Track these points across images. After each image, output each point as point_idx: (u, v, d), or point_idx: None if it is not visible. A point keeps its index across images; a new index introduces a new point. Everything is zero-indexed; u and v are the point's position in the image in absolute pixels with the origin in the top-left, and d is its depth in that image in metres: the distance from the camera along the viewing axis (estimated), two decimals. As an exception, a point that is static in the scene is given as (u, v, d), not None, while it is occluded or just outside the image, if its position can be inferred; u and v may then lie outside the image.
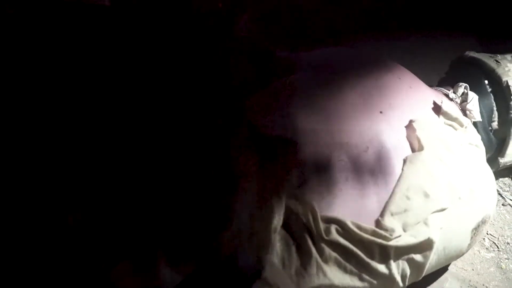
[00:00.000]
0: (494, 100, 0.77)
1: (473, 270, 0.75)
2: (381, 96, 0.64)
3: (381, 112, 0.62)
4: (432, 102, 0.69)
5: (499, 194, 0.90)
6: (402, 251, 0.55)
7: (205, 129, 0.51)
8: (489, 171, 0.68)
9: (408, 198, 0.58)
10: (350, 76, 0.66)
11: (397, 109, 0.63)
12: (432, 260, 0.58)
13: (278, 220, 0.50)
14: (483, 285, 0.72)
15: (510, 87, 0.75)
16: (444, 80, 0.86)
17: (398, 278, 0.55)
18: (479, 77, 0.79)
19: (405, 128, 0.63)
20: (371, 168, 0.58)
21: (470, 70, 0.82)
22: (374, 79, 0.66)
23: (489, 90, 0.78)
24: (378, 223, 0.56)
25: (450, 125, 0.68)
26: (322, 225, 0.52)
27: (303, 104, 0.62)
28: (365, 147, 0.59)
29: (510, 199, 0.90)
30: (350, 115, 0.61)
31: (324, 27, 1.66)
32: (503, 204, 0.89)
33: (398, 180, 0.59)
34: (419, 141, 0.62)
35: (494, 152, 0.76)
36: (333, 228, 0.53)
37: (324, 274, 0.51)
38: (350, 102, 0.62)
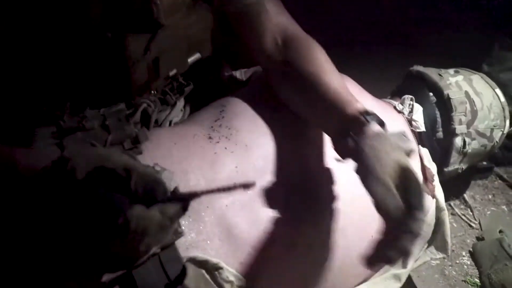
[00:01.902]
0: (438, 111, 0.80)
1: (418, 277, 0.76)
2: None
3: None
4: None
5: (448, 204, 0.94)
6: None
7: None
8: None
9: None
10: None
11: None
12: None
13: None
14: (426, 291, 0.74)
15: (451, 100, 0.78)
16: (394, 92, 0.89)
17: None
18: (424, 89, 0.83)
19: None
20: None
21: (417, 83, 0.85)
22: None
23: (434, 101, 0.81)
24: None
25: None
26: None
27: (248, 112, 0.62)
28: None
29: (459, 209, 0.94)
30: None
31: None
32: (452, 214, 0.92)
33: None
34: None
35: (438, 162, 0.79)
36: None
37: None
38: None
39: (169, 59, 0.57)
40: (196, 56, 0.63)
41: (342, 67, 0.76)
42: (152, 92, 0.61)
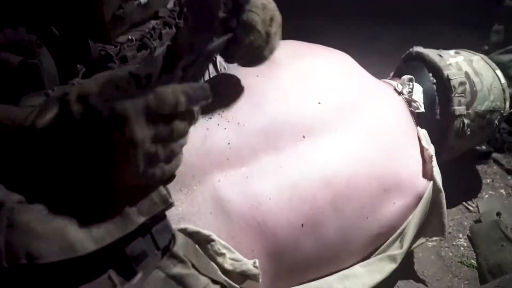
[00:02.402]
0: (437, 92, 0.79)
1: (415, 258, 0.76)
2: (321, 88, 0.64)
3: (319, 103, 0.62)
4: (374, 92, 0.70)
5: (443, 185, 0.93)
6: None
7: None
8: None
9: None
10: (291, 66, 0.65)
11: (337, 98, 0.64)
12: None
13: None
14: (422, 272, 0.73)
15: (451, 80, 0.77)
16: (394, 73, 0.88)
17: None
18: (423, 70, 0.81)
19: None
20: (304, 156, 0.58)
21: (416, 64, 0.84)
22: (315, 70, 0.66)
23: (433, 82, 0.80)
24: None
25: None
26: None
27: (238, 91, 0.60)
28: (301, 136, 0.59)
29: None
30: (287, 104, 0.60)
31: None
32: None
33: None
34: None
35: (436, 143, 0.78)
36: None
37: None
38: (289, 91, 0.61)
39: None
40: None
41: (344, 49, 0.75)
42: (130, 38, 0.58)
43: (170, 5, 0.66)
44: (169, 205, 0.43)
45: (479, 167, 0.99)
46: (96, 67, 0.56)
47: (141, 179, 0.39)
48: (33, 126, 0.36)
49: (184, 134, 0.42)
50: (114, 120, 0.35)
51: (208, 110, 0.58)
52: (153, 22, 0.64)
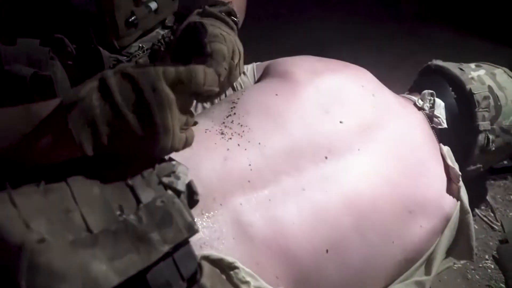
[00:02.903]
0: (459, 107, 0.77)
1: (439, 281, 0.73)
2: (342, 107, 0.62)
3: (341, 122, 0.60)
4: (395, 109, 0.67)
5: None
6: None
7: None
8: None
9: None
10: (311, 84, 0.64)
11: (358, 117, 0.62)
12: None
13: None
14: (449, 296, 0.70)
15: (474, 95, 0.75)
16: (412, 88, 0.86)
17: None
18: (444, 84, 0.79)
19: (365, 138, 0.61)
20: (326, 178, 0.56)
21: (436, 78, 0.82)
22: (335, 88, 0.64)
23: (454, 97, 0.78)
24: None
25: None
26: None
27: (260, 110, 0.59)
28: (323, 157, 0.57)
29: (480, 211, 0.90)
30: (308, 124, 0.58)
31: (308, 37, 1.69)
32: (472, 215, 0.88)
33: None
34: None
35: (459, 160, 0.75)
36: None
37: None
38: (309, 111, 0.60)
39: None
40: None
41: (355, 62, 0.73)
42: (140, 46, 0.59)
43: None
44: (194, 231, 0.41)
45: (501, 183, 0.96)
46: None
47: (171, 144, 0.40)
48: (76, 101, 0.36)
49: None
50: (146, 80, 0.37)
51: (228, 130, 0.57)
52: (161, 32, 0.63)
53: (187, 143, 0.42)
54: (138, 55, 0.58)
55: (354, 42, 1.69)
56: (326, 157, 0.57)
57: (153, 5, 0.57)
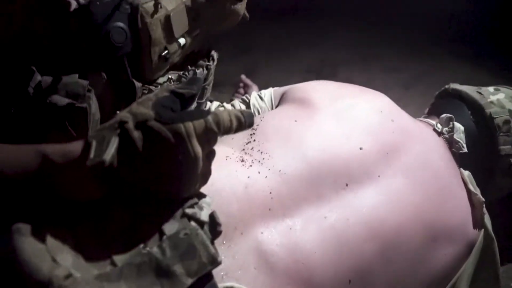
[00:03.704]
0: (479, 131, 0.76)
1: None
2: (361, 133, 0.62)
3: (361, 149, 0.60)
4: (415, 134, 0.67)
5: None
6: None
7: None
8: None
9: None
10: (330, 110, 0.64)
11: (378, 143, 0.61)
12: None
13: None
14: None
15: (494, 119, 0.74)
16: (430, 111, 0.86)
17: None
18: (462, 107, 0.79)
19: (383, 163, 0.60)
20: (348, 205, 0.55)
21: (454, 102, 0.81)
22: (354, 114, 0.64)
23: (473, 121, 0.77)
24: None
25: None
26: None
27: (279, 136, 0.59)
28: (343, 185, 0.56)
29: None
30: (329, 150, 0.58)
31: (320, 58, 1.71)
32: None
33: None
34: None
35: (481, 186, 0.74)
36: None
37: None
38: (329, 137, 0.60)
39: (177, 20, 0.57)
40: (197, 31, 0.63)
41: (367, 84, 0.73)
42: (169, 77, 0.62)
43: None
44: (217, 263, 0.41)
45: (524, 207, 0.94)
46: None
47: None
48: (102, 162, 0.35)
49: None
50: (177, 141, 0.37)
51: (248, 157, 0.57)
52: (186, 64, 0.66)
53: (217, 234, 0.43)
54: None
55: (368, 62, 1.70)
56: (346, 184, 0.57)
57: (182, 41, 0.60)
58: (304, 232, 0.52)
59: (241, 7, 0.69)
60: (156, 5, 0.54)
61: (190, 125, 0.37)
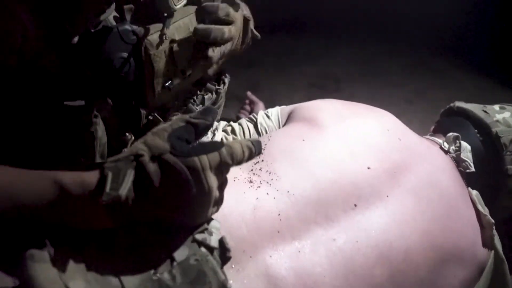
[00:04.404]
0: (485, 150, 0.76)
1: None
2: (369, 152, 0.62)
3: (368, 168, 0.60)
4: (422, 153, 0.67)
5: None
6: None
7: None
8: None
9: None
10: (337, 129, 0.64)
11: (386, 162, 0.61)
12: None
13: None
14: None
15: (501, 138, 0.74)
16: (435, 129, 0.86)
17: None
18: (467, 126, 0.79)
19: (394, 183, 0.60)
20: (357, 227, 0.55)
21: (460, 120, 0.81)
22: (361, 133, 0.65)
23: (480, 139, 0.77)
24: None
25: None
26: None
27: (287, 156, 0.59)
28: (352, 205, 0.56)
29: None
30: (337, 170, 0.58)
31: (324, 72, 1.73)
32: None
33: None
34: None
35: (489, 205, 0.73)
36: None
37: None
38: (337, 157, 0.60)
39: (181, 52, 0.58)
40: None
41: (370, 99, 0.73)
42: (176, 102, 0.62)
43: (211, 71, 0.68)
44: None
45: (531, 225, 0.93)
46: (144, 131, 0.57)
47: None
48: (118, 197, 0.36)
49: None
50: (192, 175, 0.37)
51: (256, 178, 0.57)
52: (195, 88, 0.66)
53: (226, 260, 0.44)
54: (173, 111, 0.62)
55: (371, 77, 1.71)
56: (355, 205, 0.57)
57: (188, 72, 0.60)
58: (313, 256, 0.52)
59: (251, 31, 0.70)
60: (161, 36, 0.54)
61: (205, 158, 0.38)
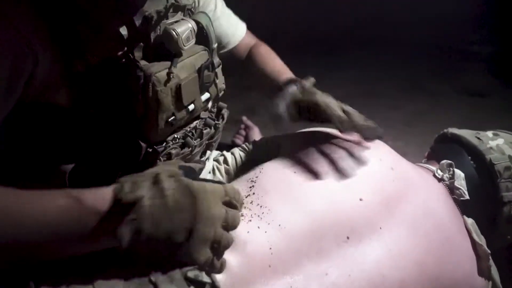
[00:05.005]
0: (480, 177, 0.75)
1: None
2: (361, 183, 0.61)
3: (361, 200, 0.59)
4: (415, 182, 0.67)
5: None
6: None
7: None
8: None
9: None
10: (328, 162, 0.64)
11: (378, 193, 0.61)
12: None
13: None
14: None
15: (495, 165, 0.74)
16: (429, 155, 0.86)
17: None
18: (461, 152, 0.79)
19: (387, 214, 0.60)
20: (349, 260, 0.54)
21: (454, 147, 0.81)
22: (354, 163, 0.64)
23: (474, 166, 0.77)
24: None
25: None
26: None
27: (278, 189, 0.59)
28: (345, 238, 0.56)
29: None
30: (329, 202, 0.58)
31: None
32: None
33: None
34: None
35: (485, 233, 0.72)
36: None
37: None
38: (328, 189, 0.60)
39: (187, 89, 0.59)
40: (206, 95, 0.66)
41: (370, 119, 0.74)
42: (175, 136, 0.64)
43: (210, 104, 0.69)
44: None
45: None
46: (142, 164, 0.58)
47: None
48: (136, 197, 0.42)
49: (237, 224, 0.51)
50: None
51: (247, 211, 0.57)
52: (194, 122, 0.67)
53: None
54: (172, 144, 0.63)
55: (370, 99, 1.72)
56: (348, 237, 0.56)
57: (191, 107, 0.61)
58: None
59: None
60: (169, 74, 0.55)
61: (220, 188, 0.49)
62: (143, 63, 0.55)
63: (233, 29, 0.86)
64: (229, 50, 0.85)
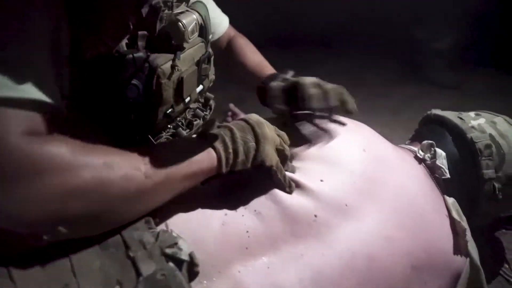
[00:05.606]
0: (461, 156, 0.76)
1: None
2: (333, 164, 0.62)
3: (321, 181, 0.59)
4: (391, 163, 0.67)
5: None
6: None
7: None
8: None
9: None
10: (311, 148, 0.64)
11: (347, 175, 0.61)
12: None
13: None
14: None
15: (476, 143, 0.75)
16: (413, 137, 0.86)
17: None
18: (444, 134, 0.79)
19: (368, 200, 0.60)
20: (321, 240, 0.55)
21: (436, 128, 0.82)
22: (327, 146, 0.65)
23: (455, 146, 0.77)
24: None
25: None
26: None
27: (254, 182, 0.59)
28: (313, 216, 0.56)
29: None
30: (300, 186, 0.58)
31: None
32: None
33: None
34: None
35: (466, 212, 0.73)
36: None
37: None
38: (304, 171, 0.60)
39: (187, 83, 0.59)
40: (200, 87, 0.65)
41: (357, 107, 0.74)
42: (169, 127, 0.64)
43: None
44: None
45: (514, 231, 0.93)
46: None
47: None
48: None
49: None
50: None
51: (224, 197, 0.57)
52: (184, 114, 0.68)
53: (194, 274, 0.48)
54: (165, 133, 0.63)
55: (357, 89, 1.71)
56: (315, 215, 0.56)
57: (187, 100, 0.61)
58: (282, 271, 0.51)
59: None
60: (173, 67, 0.55)
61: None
62: (148, 53, 0.54)
63: (219, 20, 0.86)
64: (214, 41, 0.84)
